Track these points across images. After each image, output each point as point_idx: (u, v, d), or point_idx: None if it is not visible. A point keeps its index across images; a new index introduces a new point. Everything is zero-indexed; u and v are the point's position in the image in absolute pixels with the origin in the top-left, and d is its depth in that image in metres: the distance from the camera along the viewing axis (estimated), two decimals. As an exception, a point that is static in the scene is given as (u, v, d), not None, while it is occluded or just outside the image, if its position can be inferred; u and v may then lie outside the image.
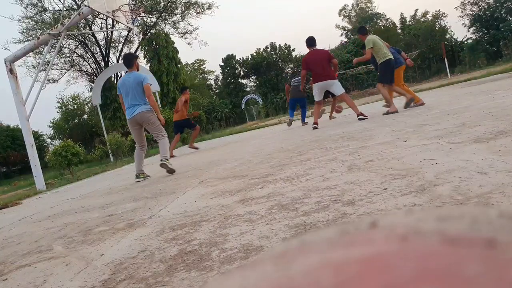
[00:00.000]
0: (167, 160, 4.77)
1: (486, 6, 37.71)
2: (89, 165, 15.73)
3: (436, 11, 50.54)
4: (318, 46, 7.03)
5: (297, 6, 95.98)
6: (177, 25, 25.34)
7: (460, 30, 76.81)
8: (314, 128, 6.64)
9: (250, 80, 46.13)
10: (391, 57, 6.82)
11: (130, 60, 4.96)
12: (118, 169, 9.50)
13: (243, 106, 36.29)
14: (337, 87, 6.82)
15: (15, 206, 5.57)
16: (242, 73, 44.25)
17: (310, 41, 6.94)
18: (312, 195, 1.95)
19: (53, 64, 20.77)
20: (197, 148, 9.36)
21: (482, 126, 2.82)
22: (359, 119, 6.24)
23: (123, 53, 24.39)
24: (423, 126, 3.61)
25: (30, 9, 21.03)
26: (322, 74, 6.69)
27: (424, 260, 0.16)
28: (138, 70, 5.00)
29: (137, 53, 25.58)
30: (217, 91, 49.31)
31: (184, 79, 27.15)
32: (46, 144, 35.46)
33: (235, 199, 2.31)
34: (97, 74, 23.22)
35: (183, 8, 24.32)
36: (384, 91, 6.68)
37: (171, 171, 4.72)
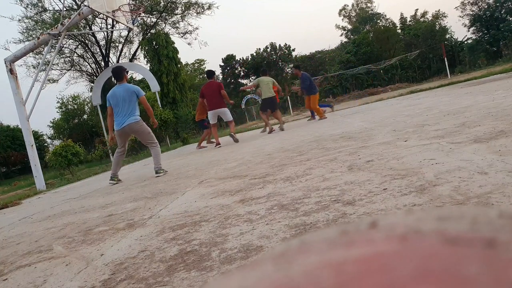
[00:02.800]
0: (161, 170, 4.91)
1: (486, 6, 37.69)
2: (89, 165, 15.73)
3: (436, 11, 50.57)
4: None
5: (297, 6, 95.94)
6: (177, 25, 25.37)
7: (460, 30, 76.88)
8: (218, 147, 8.07)
9: (250, 80, 46.12)
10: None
11: (120, 73, 4.97)
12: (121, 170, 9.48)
13: (243, 106, 36.27)
14: (226, 114, 8.26)
15: (15, 206, 5.57)
16: (242, 73, 44.24)
17: (209, 74, 8.40)
18: (312, 195, 1.95)
19: (53, 64, 20.78)
20: (205, 147, 9.51)
21: (482, 126, 2.82)
22: (216, 146, 8.14)
23: (122, 53, 24.45)
24: (423, 126, 3.61)
25: (30, 9, 21.04)
26: (215, 103, 8.11)
27: (424, 260, 0.16)
28: (127, 81, 5.08)
29: (137, 53, 25.62)
30: (217, 91, 49.18)
31: (184, 79, 27.14)
32: (46, 144, 35.45)
33: (235, 199, 2.31)
34: (97, 74, 23.23)
35: (183, 8, 24.34)
36: (264, 116, 9.32)
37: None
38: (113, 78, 5.32)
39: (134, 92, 4.88)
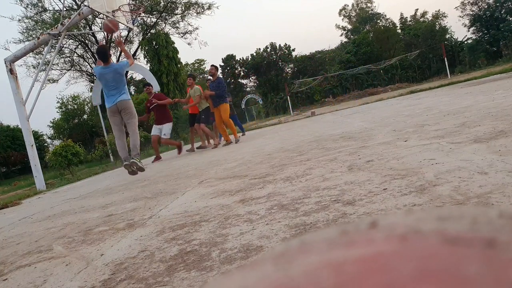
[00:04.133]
0: (138, 158, 4.96)
1: (486, 6, 37.69)
2: (89, 165, 15.74)
3: (436, 11, 50.57)
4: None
5: (297, 6, 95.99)
6: (177, 25, 25.34)
7: (460, 30, 76.93)
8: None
9: (250, 80, 46.12)
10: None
11: (105, 54, 4.98)
12: (118, 169, 9.49)
13: (243, 106, 36.27)
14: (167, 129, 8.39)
15: (15, 206, 5.57)
16: (242, 73, 44.24)
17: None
18: (312, 195, 1.95)
19: (53, 64, 20.77)
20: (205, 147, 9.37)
21: (482, 126, 2.82)
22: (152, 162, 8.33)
23: (121, 55, 24.43)
24: (423, 126, 3.61)
25: (30, 9, 21.02)
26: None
27: (424, 260, 0.16)
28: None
29: (137, 53, 25.60)
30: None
31: (184, 79, 27.14)
32: (46, 144, 35.45)
33: (235, 199, 2.31)
34: (97, 74, 23.14)
35: (183, 8, 24.31)
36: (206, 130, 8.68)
37: (141, 169, 4.97)
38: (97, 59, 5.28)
39: (123, 73, 5.01)
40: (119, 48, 5.83)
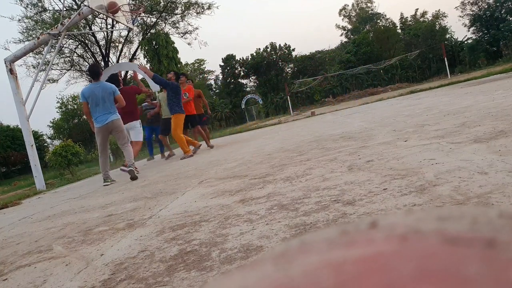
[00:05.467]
0: (134, 167, 5.19)
1: (486, 6, 37.69)
2: (89, 165, 15.73)
3: (436, 11, 50.61)
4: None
5: (297, 6, 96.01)
6: (177, 25, 25.33)
7: (460, 30, 76.92)
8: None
9: (250, 80, 46.14)
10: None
11: (97, 72, 5.27)
12: (118, 169, 9.49)
13: (243, 106, 36.29)
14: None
15: (15, 206, 5.57)
16: (242, 73, 44.25)
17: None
18: (312, 195, 1.95)
19: (53, 64, 20.76)
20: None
21: (482, 126, 2.82)
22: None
23: (122, 53, 24.44)
24: (423, 126, 3.61)
25: (30, 9, 21.01)
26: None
27: (424, 260, 0.16)
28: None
29: (136, 53, 25.59)
30: (217, 91, 49.29)
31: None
32: (46, 144, 35.49)
33: (235, 199, 2.31)
34: (97, 74, 23.12)
35: (183, 8, 24.31)
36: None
37: (134, 178, 5.04)
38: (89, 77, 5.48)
39: (112, 92, 5.18)
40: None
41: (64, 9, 15.57)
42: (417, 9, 52.50)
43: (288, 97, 25.34)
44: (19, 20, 22.11)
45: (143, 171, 6.39)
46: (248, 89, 46.11)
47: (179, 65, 27.00)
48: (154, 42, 25.54)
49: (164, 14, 24.17)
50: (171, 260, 1.48)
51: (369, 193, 1.73)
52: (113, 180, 5.31)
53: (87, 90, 5.15)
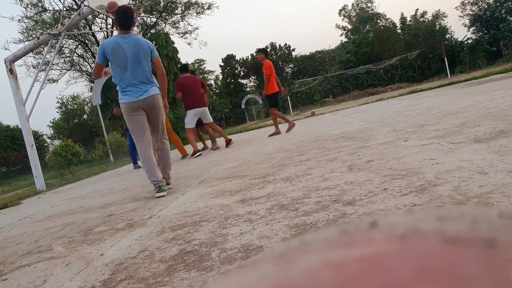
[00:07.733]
0: (170, 180, 3.52)
1: (486, 6, 37.70)
2: (89, 165, 15.73)
3: (436, 11, 50.61)
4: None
5: (297, 6, 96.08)
6: (177, 25, 25.36)
7: (460, 30, 76.90)
8: (197, 155, 6.68)
9: (250, 80, 46.16)
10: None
11: (129, 18, 3.27)
12: (118, 169, 9.50)
13: (243, 106, 36.27)
14: (208, 115, 7.13)
15: (15, 206, 5.57)
16: (242, 73, 44.26)
17: (184, 68, 7.18)
18: (312, 195, 1.95)
19: (53, 64, 20.76)
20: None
21: (482, 126, 2.82)
22: (226, 146, 7.11)
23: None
24: (423, 126, 3.61)
25: (30, 9, 21.02)
26: (198, 100, 6.87)
27: (424, 260, 0.16)
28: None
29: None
30: (217, 91, 49.34)
31: (184, 79, 27.14)
32: (46, 144, 35.51)
33: (235, 199, 2.31)
34: (97, 74, 23.12)
35: (183, 8, 24.33)
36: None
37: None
38: (114, 25, 3.55)
39: (150, 50, 3.27)
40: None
41: (64, 9, 15.56)
42: (417, 9, 52.54)
43: (288, 97, 25.34)
44: (19, 20, 22.13)
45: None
46: (248, 89, 46.13)
47: (179, 65, 26.98)
48: (154, 42, 25.53)
49: (164, 14, 24.20)
50: (171, 260, 1.48)
51: (369, 193, 1.73)
52: (169, 186, 3.41)
53: (110, 44, 3.15)
